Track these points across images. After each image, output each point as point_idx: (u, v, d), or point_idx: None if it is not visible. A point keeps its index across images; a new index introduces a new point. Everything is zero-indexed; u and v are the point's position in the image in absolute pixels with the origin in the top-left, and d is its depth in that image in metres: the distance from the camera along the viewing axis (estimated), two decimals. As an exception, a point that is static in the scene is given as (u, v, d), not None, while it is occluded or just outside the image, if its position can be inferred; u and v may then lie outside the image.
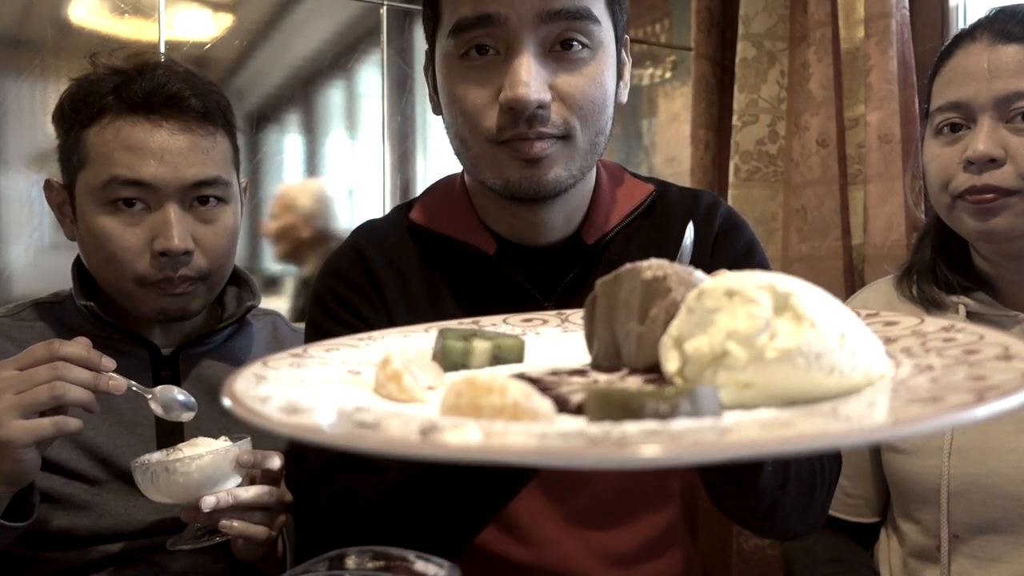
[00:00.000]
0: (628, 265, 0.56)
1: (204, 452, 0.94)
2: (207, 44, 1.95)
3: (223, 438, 0.99)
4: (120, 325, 1.11)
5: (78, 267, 1.13)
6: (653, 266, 0.54)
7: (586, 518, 1.00)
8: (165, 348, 1.14)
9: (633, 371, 0.52)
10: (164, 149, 1.04)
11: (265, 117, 2.04)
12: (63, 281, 1.14)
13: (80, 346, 0.92)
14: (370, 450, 0.39)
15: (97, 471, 1.05)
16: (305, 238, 2.12)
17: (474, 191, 1.02)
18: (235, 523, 0.95)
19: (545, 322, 0.71)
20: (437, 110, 1.00)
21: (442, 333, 0.59)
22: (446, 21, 0.91)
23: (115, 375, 0.93)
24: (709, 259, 1.01)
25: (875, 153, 1.82)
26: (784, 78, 2.08)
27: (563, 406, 0.44)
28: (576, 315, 0.70)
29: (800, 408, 0.42)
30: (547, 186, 0.90)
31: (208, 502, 0.93)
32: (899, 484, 1.17)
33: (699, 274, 0.55)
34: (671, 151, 2.42)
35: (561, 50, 0.88)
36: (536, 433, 0.39)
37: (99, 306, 1.10)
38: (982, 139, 1.01)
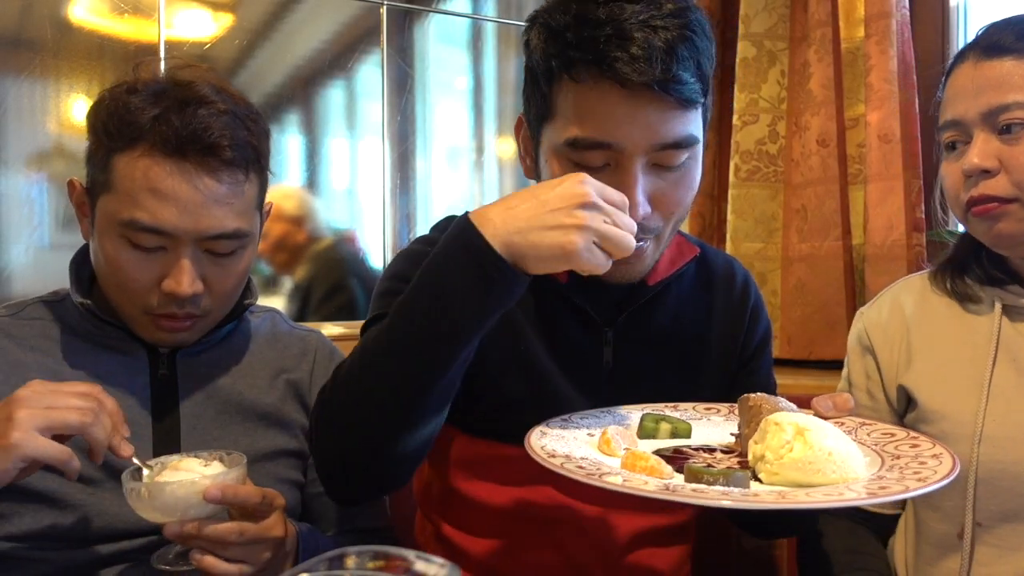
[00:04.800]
0: (746, 394, 0.92)
1: (172, 480, 0.92)
2: (207, 44, 1.95)
3: (216, 460, 0.98)
4: (118, 323, 1.11)
5: (76, 264, 1.13)
6: (757, 396, 0.91)
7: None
8: (163, 346, 1.14)
9: (739, 455, 0.89)
10: (188, 200, 1.03)
11: (265, 117, 2.04)
12: (63, 281, 1.14)
13: (114, 401, 0.94)
14: (578, 480, 0.77)
15: (92, 470, 1.05)
16: (301, 241, 2.12)
17: None
18: (207, 558, 0.93)
19: (718, 411, 1.05)
20: (531, 174, 1.11)
21: (643, 417, 0.98)
22: (560, 124, 0.99)
23: (127, 441, 0.94)
24: (744, 332, 1.19)
25: (875, 153, 1.82)
26: (784, 78, 2.08)
27: (679, 470, 0.83)
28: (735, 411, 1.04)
29: (798, 489, 0.78)
30: (637, 275, 1.07)
31: (171, 529, 0.92)
32: None
33: (784, 404, 0.90)
34: (671, 151, 2.42)
35: (662, 165, 0.99)
36: (646, 480, 0.79)
37: (97, 303, 1.10)
38: (975, 152, 1.08)
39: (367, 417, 0.91)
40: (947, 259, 1.23)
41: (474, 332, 0.89)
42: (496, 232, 0.86)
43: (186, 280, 1.04)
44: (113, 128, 1.04)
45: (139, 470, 0.96)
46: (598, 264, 0.86)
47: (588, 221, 0.85)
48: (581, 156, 0.98)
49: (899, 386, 1.19)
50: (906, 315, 1.23)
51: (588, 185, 0.87)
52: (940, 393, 1.15)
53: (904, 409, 1.20)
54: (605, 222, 0.86)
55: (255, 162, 1.10)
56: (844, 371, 1.30)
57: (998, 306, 1.14)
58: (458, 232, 0.89)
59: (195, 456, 0.99)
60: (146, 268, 1.05)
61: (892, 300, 1.26)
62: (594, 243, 0.85)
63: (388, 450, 0.93)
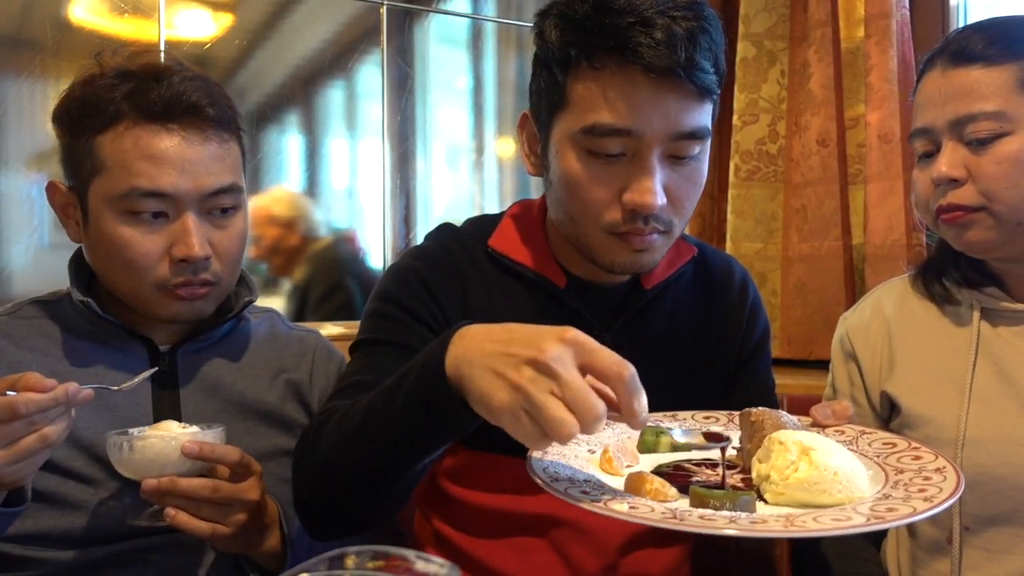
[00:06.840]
0: (747, 409, 0.90)
1: (152, 434, 0.95)
2: (207, 44, 1.95)
3: (194, 427, 0.98)
4: (118, 321, 1.11)
5: (76, 263, 1.13)
6: (758, 411, 0.90)
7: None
8: (163, 344, 1.14)
9: (742, 470, 0.89)
10: (184, 159, 1.05)
11: (265, 117, 2.04)
12: (63, 281, 1.14)
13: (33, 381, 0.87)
14: (584, 508, 0.72)
15: (93, 470, 1.05)
16: (295, 244, 2.12)
17: (551, 229, 1.12)
18: (180, 514, 0.95)
19: (717, 420, 1.01)
20: (535, 172, 1.10)
21: (642, 431, 0.89)
22: (577, 112, 0.99)
23: (79, 387, 0.89)
24: (743, 332, 1.19)
25: (875, 153, 1.83)
26: (784, 78, 2.08)
27: (683, 491, 0.81)
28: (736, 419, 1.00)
29: (805, 510, 0.77)
30: (647, 267, 1.07)
31: (148, 484, 0.94)
32: None
33: (785, 418, 0.89)
34: (671, 151, 2.42)
35: (677, 159, 1.00)
36: (652, 506, 0.75)
37: (97, 302, 1.10)
38: (943, 161, 1.08)
39: (340, 474, 0.90)
40: (927, 262, 1.23)
41: (418, 454, 0.85)
42: (455, 354, 0.77)
43: (196, 241, 1.06)
44: (87, 113, 1.06)
45: (124, 432, 0.97)
46: (526, 435, 0.71)
47: (526, 383, 0.70)
48: (598, 143, 0.98)
49: (882, 392, 1.19)
50: (887, 319, 1.22)
51: (563, 345, 0.71)
52: (922, 398, 1.15)
53: (888, 415, 1.20)
54: (552, 392, 0.70)
55: (234, 122, 1.13)
56: (829, 377, 1.30)
57: (977, 309, 1.14)
58: (436, 342, 0.81)
59: (176, 423, 1.00)
60: (153, 241, 1.06)
61: (873, 305, 1.26)
62: (524, 410, 0.70)
63: (360, 504, 0.92)
